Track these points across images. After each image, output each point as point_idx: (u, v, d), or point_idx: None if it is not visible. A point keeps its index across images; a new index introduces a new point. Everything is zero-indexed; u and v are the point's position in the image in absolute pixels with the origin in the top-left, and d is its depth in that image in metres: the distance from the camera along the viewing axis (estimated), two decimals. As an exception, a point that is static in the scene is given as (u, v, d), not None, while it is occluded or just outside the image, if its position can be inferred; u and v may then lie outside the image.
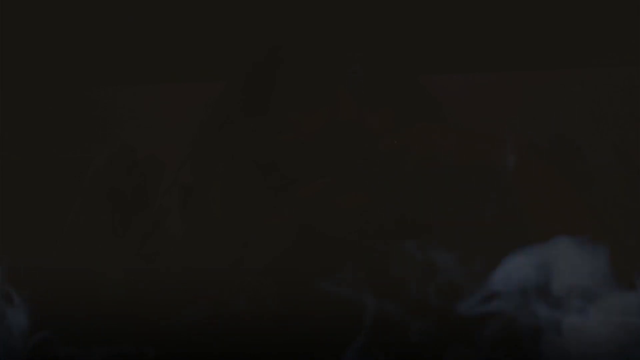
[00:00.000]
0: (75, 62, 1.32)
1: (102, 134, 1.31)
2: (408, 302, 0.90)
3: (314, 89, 1.08)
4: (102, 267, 1.05)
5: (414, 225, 1.02)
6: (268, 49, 1.13)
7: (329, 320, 0.94)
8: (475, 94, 1.30)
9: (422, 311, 0.89)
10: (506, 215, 1.01)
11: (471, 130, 1.06)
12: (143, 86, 1.33)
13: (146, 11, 1.31)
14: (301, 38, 1.14)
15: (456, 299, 0.84)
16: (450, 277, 0.86)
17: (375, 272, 0.98)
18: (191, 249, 1.06)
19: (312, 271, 1.00)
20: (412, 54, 1.23)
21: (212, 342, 0.94)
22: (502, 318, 0.80)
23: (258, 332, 0.95)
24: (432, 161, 1.03)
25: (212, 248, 1.04)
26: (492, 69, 1.32)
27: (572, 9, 1.29)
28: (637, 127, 1.26)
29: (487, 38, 1.31)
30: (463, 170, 1.02)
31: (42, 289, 0.88)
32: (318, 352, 0.92)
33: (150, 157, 1.21)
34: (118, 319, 0.95)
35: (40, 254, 1.11)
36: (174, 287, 1.00)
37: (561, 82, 1.31)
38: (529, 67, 1.31)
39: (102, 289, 1.01)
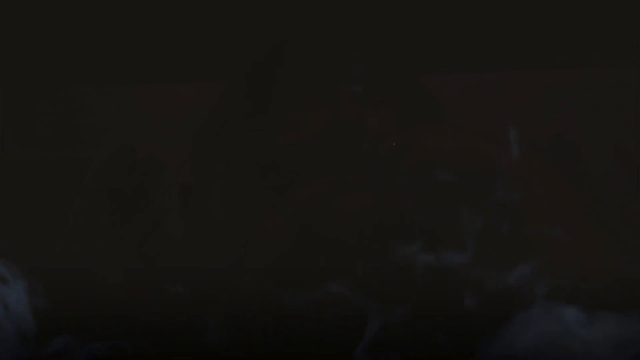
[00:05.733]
0: (76, 62, 1.32)
1: (102, 134, 1.31)
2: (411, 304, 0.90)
3: (314, 89, 1.08)
4: (101, 267, 1.05)
5: (414, 227, 1.02)
6: (268, 48, 1.13)
7: (330, 321, 0.94)
8: (475, 94, 1.30)
9: (426, 312, 0.89)
10: (507, 215, 1.01)
11: (472, 130, 1.06)
12: (143, 86, 1.33)
13: (146, 11, 1.31)
14: (302, 38, 1.14)
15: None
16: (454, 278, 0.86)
17: (376, 272, 0.97)
18: (191, 249, 1.06)
19: (312, 271, 1.00)
20: (412, 53, 1.23)
21: (210, 341, 0.94)
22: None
23: (257, 331, 0.95)
24: (433, 161, 1.03)
25: (212, 248, 1.04)
26: (492, 69, 1.32)
27: (572, 9, 1.29)
28: (637, 127, 1.26)
29: (487, 38, 1.31)
30: (464, 170, 1.02)
31: (42, 289, 0.88)
32: (318, 352, 0.92)
33: (150, 157, 1.21)
34: (117, 318, 0.95)
35: (40, 254, 1.11)
36: (174, 287, 1.00)
37: (561, 82, 1.31)
38: (529, 67, 1.31)
39: (101, 289, 1.01)
